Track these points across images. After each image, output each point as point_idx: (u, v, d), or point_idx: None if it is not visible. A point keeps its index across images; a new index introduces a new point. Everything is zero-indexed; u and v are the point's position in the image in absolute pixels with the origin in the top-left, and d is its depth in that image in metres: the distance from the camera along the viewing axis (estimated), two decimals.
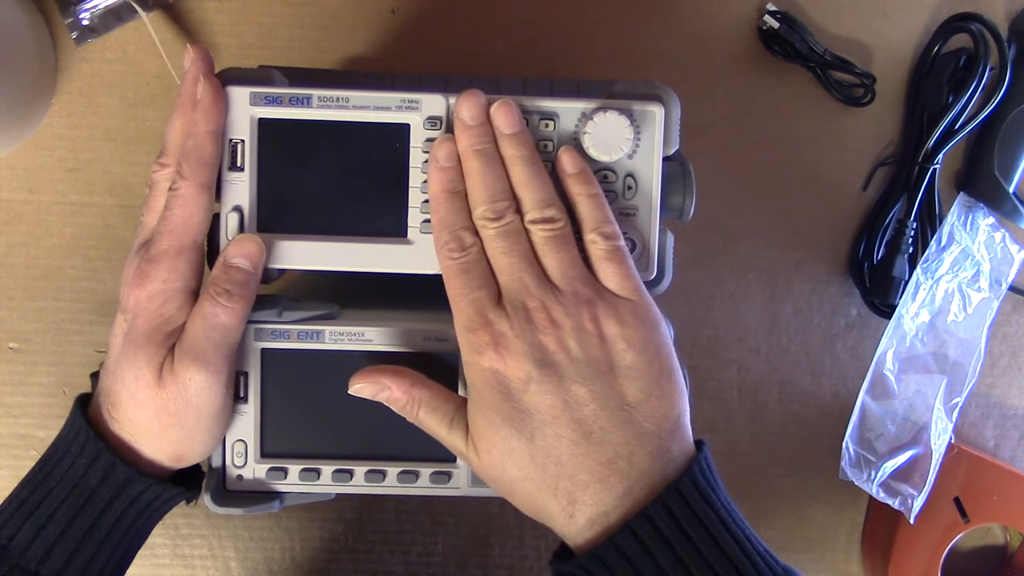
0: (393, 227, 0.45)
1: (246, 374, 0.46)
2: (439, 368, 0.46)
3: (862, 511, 0.63)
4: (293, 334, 0.46)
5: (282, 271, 0.47)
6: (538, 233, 0.42)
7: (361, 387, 0.44)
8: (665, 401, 0.41)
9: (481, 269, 0.42)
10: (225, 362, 0.43)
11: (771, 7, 0.59)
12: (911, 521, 0.58)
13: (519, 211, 0.42)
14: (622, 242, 0.43)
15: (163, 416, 0.43)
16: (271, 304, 0.45)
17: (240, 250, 0.44)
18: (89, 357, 0.60)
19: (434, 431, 0.43)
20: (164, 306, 0.43)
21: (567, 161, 0.44)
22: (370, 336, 0.46)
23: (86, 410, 0.45)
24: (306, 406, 0.47)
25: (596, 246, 0.42)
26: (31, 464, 0.45)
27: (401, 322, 0.46)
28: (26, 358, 0.60)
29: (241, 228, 0.45)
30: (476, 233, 0.42)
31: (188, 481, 0.46)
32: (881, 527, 0.61)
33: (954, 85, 0.58)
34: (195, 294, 0.44)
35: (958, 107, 0.57)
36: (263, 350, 0.46)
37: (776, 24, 0.58)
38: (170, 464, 0.45)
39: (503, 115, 0.43)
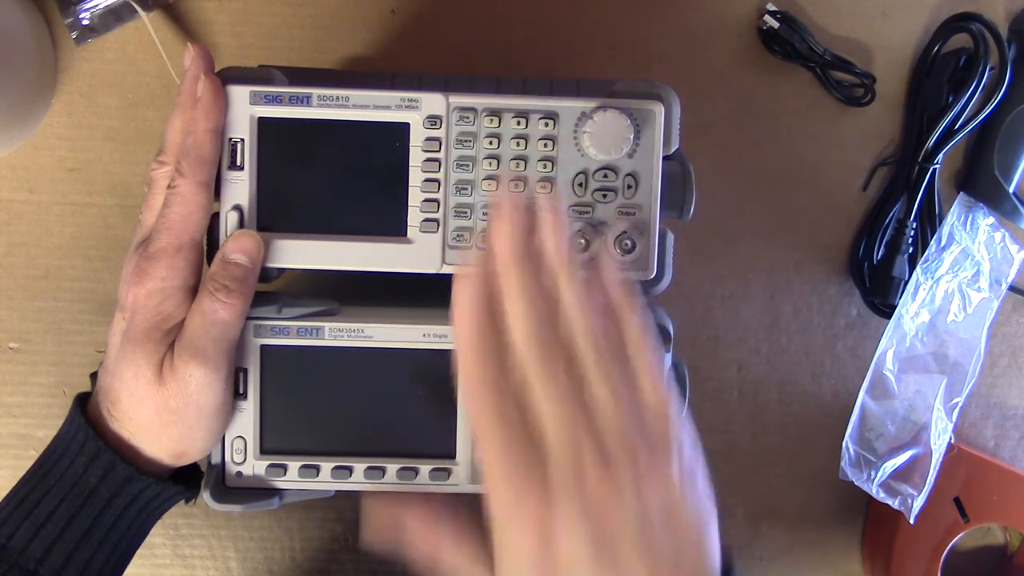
0: (393, 226, 0.45)
1: (245, 371, 0.46)
2: (438, 365, 0.46)
3: (862, 511, 0.63)
4: (293, 330, 0.46)
5: (282, 270, 0.47)
6: (591, 366, 0.35)
7: (375, 522, 0.38)
8: (711, 546, 0.35)
9: (523, 424, 0.34)
10: (225, 358, 0.43)
11: (771, 7, 0.59)
12: (911, 521, 0.58)
13: (566, 343, 0.35)
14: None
15: (163, 413, 0.43)
16: (271, 300, 0.46)
17: (238, 246, 0.44)
18: (89, 357, 0.60)
19: None
20: (163, 304, 0.43)
21: (610, 281, 0.37)
22: (370, 332, 0.46)
23: (85, 409, 0.45)
24: (306, 402, 0.47)
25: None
26: (31, 464, 0.45)
27: (401, 318, 0.46)
28: (26, 358, 0.60)
29: (241, 227, 0.45)
30: (512, 377, 0.35)
31: (187, 480, 0.46)
32: (881, 527, 0.61)
33: (954, 85, 0.58)
34: (194, 292, 0.44)
35: (958, 107, 0.57)
36: (262, 346, 0.46)
37: (776, 24, 0.58)
38: (170, 462, 0.45)
39: (550, 235, 0.36)
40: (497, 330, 0.35)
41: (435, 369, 0.46)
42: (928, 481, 0.59)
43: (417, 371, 0.46)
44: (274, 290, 0.48)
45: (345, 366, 0.46)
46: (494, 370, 0.35)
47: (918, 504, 0.58)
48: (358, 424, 0.47)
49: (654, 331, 0.36)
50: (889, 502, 0.59)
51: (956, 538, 0.59)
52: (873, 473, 0.60)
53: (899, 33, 0.61)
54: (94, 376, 0.59)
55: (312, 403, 0.47)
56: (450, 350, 0.45)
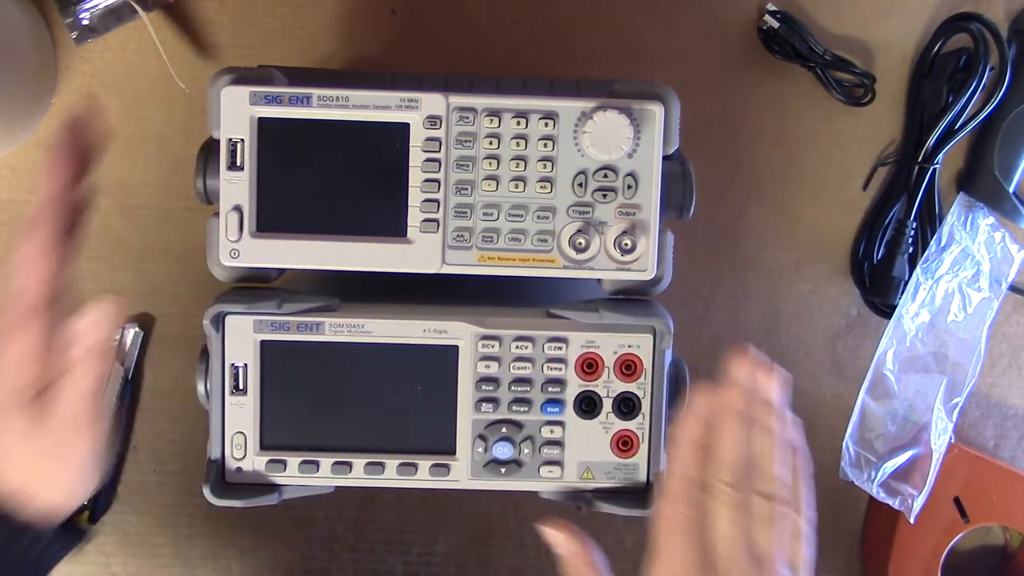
0: (393, 226, 0.45)
1: (245, 366, 0.46)
2: (438, 361, 0.46)
3: (862, 511, 0.63)
4: (292, 326, 0.46)
5: (282, 271, 0.47)
6: (763, 507, 0.41)
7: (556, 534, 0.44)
8: None
9: (701, 532, 0.41)
10: (95, 414, 0.43)
11: (771, 7, 0.59)
12: (911, 521, 0.58)
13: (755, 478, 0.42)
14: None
15: (41, 467, 0.42)
16: (270, 296, 0.45)
17: (91, 321, 0.43)
18: None
19: None
20: (28, 367, 0.42)
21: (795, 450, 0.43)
22: (370, 328, 0.46)
23: None
24: (305, 398, 0.47)
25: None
26: None
27: (400, 314, 0.46)
28: None
29: (241, 227, 0.45)
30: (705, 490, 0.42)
31: (71, 529, 0.46)
32: (881, 527, 0.61)
33: (954, 85, 0.58)
34: (59, 350, 0.43)
35: (958, 107, 0.57)
36: (262, 342, 0.46)
37: (776, 24, 0.58)
38: (52, 514, 0.44)
39: (775, 386, 0.43)
40: (702, 456, 0.42)
41: (435, 365, 0.46)
42: (928, 481, 0.59)
43: (417, 367, 0.46)
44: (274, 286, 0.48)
45: (345, 362, 0.46)
46: (698, 467, 0.42)
47: (918, 504, 0.58)
48: (358, 420, 0.47)
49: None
50: (889, 502, 0.59)
51: (956, 538, 0.59)
52: (873, 473, 0.60)
53: (899, 33, 0.61)
54: None
55: (312, 399, 0.47)
56: (450, 346, 0.45)
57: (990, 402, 0.63)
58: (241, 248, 0.45)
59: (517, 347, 0.47)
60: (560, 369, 0.47)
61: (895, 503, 0.59)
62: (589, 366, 0.47)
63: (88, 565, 0.61)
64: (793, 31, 0.58)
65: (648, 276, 0.46)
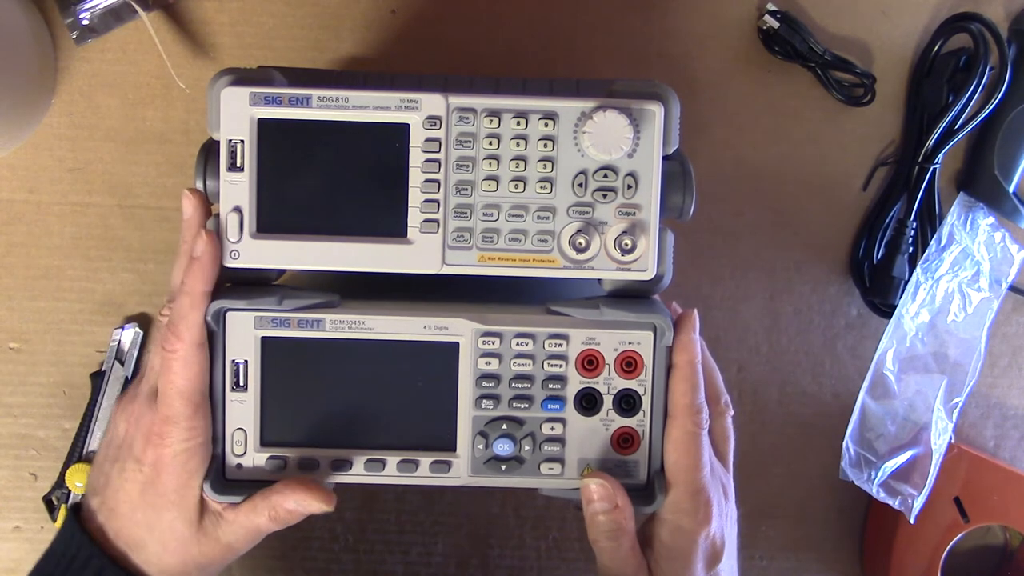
0: (393, 227, 0.45)
1: (245, 362, 0.46)
2: (438, 357, 0.46)
3: (862, 511, 0.63)
4: (293, 322, 0.46)
5: (282, 271, 0.47)
6: (723, 419, 0.51)
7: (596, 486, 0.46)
8: None
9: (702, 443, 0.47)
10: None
11: (771, 7, 0.59)
12: (911, 521, 0.58)
13: None
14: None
15: (195, 562, 0.45)
16: (271, 292, 0.45)
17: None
18: (89, 357, 0.60)
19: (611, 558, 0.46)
20: (189, 462, 0.44)
21: None
22: (370, 324, 0.46)
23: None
24: (306, 394, 0.46)
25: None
26: (31, 464, 0.45)
27: (401, 311, 0.46)
28: (26, 358, 0.60)
29: (241, 228, 0.45)
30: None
31: None
32: (881, 527, 0.61)
33: (954, 85, 0.58)
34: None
35: (958, 107, 0.57)
36: (263, 338, 0.46)
37: (776, 24, 0.58)
38: None
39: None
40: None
41: (435, 361, 0.46)
42: (928, 481, 0.59)
43: (418, 363, 0.46)
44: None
45: (346, 358, 0.46)
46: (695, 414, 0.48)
47: (918, 504, 0.58)
48: (359, 416, 0.47)
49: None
50: (889, 502, 0.59)
51: (956, 538, 0.59)
52: (873, 473, 0.60)
53: (899, 33, 0.61)
54: (94, 376, 0.59)
55: (313, 395, 0.46)
56: (451, 343, 0.45)
57: (990, 402, 0.63)
58: (241, 249, 0.45)
59: (518, 344, 0.47)
60: (561, 366, 0.47)
61: (895, 503, 0.59)
62: (590, 363, 0.47)
63: None
64: (793, 31, 0.58)
65: (648, 276, 0.46)
